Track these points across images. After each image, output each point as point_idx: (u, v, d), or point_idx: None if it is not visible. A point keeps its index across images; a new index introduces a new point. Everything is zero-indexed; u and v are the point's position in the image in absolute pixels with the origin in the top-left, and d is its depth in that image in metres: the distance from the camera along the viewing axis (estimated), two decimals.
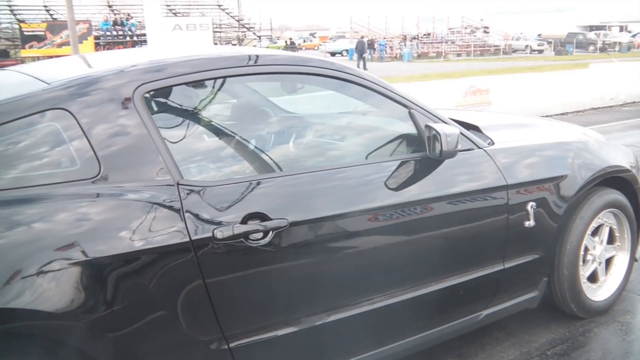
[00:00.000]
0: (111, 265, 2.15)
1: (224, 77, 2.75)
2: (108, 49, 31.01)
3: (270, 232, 2.43)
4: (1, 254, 2.01)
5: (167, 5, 37.62)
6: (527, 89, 13.13)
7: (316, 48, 60.74)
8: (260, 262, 2.44)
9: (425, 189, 2.84)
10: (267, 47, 39.70)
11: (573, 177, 3.41)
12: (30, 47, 29.84)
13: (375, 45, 41.84)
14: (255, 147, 3.14)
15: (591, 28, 68.79)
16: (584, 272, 3.66)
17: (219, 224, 2.35)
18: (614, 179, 3.71)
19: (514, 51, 53.09)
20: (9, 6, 33.23)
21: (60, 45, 29.54)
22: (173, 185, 2.35)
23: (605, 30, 65.65)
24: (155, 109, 2.60)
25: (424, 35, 56.75)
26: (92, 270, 2.12)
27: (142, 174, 2.32)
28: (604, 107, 14.65)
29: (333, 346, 2.72)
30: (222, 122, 3.27)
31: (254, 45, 37.15)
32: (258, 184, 2.53)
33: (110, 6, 36.56)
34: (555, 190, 3.32)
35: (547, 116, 12.06)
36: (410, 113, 2.97)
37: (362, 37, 37.80)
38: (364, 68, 31.41)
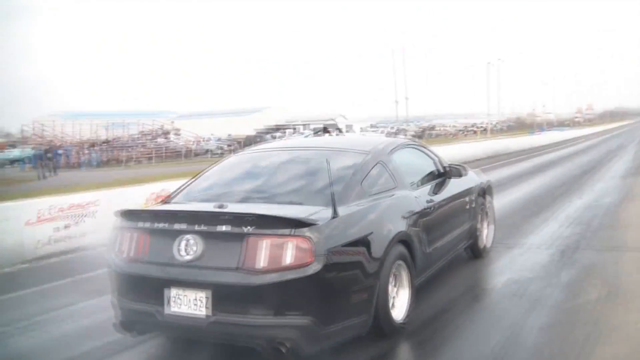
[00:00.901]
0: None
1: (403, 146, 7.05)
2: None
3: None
4: (383, 215, 5.45)
5: None
6: None
7: None
8: None
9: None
10: None
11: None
12: None
13: (50, 154, 39.49)
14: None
15: (277, 128, 72.74)
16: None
17: None
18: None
19: (201, 154, 54.92)
20: None
21: None
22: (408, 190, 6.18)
23: (285, 130, 70.76)
24: (396, 158, 6.36)
25: (113, 139, 56.61)
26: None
27: (405, 186, 6.13)
28: None
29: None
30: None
31: None
32: None
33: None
34: None
35: None
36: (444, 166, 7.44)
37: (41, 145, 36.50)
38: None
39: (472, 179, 7.95)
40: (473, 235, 7.82)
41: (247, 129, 70.28)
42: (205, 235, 4.66)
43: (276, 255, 4.45)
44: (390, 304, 5.21)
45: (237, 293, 4.48)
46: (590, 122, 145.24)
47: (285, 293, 4.42)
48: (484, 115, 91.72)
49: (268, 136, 64.40)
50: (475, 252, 8.10)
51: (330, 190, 4.86)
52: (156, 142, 58.48)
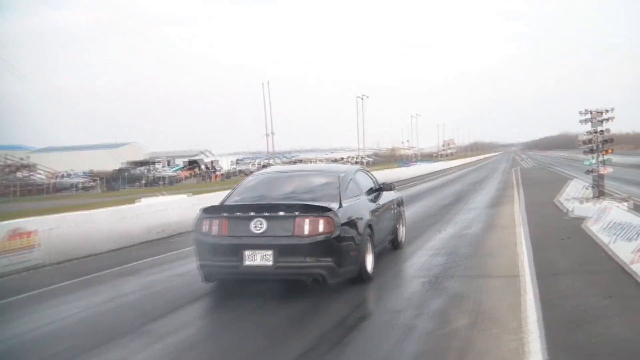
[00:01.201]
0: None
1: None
2: None
3: None
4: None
5: None
6: (81, 228, 12.80)
7: None
8: None
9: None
10: None
11: None
12: None
13: None
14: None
15: (141, 163, 72.29)
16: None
17: None
18: None
19: (63, 189, 52.37)
20: None
21: None
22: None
23: (150, 165, 69.71)
24: (357, 176, 10.25)
25: None
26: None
27: (364, 194, 9.82)
28: (156, 240, 14.93)
29: None
30: None
31: None
32: None
33: None
34: None
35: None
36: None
37: None
38: None
39: (393, 194, 11.57)
40: (395, 231, 11.41)
41: (112, 163, 68.49)
42: (268, 218, 8.09)
43: (313, 227, 7.98)
44: (365, 261, 8.70)
45: (292, 249, 7.92)
46: (452, 155, 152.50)
47: (319, 248, 7.93)
48: (350, 150, 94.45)
49: (137, 170, 62.91)
50: (395, 245, 11.52)
51: (338, 192, 8.68)
52: (15, 176, 55.24)
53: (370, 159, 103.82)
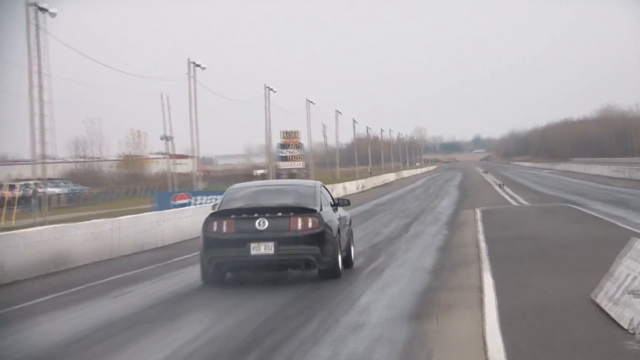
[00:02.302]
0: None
1: None
2: None
3: None
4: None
5: None
6: None
7: None
8: None
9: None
10: None
11: None
12: None
13: None
14: None
15: None
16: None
17: None
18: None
19: None
20: None
21: None
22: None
23: None
24: (322, 190, 13.01)
25: None
26: None
27: (328, 205, 12.54)
28: None
29: None
30: None
31: None
32: None
33: None
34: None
35: None
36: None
37: None
38: None
39: (344, 211, 13.41)
40: (348, 248, 12.87)
41: None
42: (270, 218, 10.95)
43: (304, 224, 10.97)
44: (338, 259, 11.55)
45: (288, 240, 10.89)
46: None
47: (309, 239, 10.94)
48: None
49: None
50: (347, 263, 12.72)
51: (318, 199, 11.61)
52: None
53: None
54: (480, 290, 9.95)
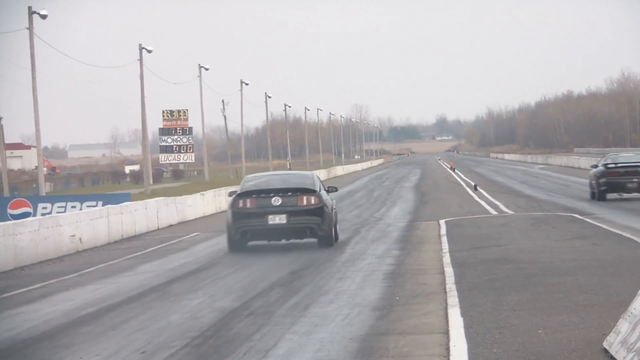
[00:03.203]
0: None
1: None
2: None
3: None
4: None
5: None
6: None
7: None
8: None
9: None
10: None
11: None
12: None
13: None
14: None
15: None
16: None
17: None
18: None
19: None
20: None
21: None
22: None
23: None
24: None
25: None
26: None
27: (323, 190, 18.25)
28: None
29: None
30: None
31: None
32: None
33: None
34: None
35: None
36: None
37: None
38: None
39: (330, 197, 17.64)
40: (334, 226, 16.99)
41: None
42: (282, 196, 16.11)
43: (309, 200, 16.22)
44: (332, 231, 16.88)
45: (297, 213, 16.12)
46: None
47: (312, 212, 16.20)
48: None
49: None
50: (334, 238, 17.15)
51: (318, 183, 17.02)
52: None
53: None
54: (446, 334, 7.49)
